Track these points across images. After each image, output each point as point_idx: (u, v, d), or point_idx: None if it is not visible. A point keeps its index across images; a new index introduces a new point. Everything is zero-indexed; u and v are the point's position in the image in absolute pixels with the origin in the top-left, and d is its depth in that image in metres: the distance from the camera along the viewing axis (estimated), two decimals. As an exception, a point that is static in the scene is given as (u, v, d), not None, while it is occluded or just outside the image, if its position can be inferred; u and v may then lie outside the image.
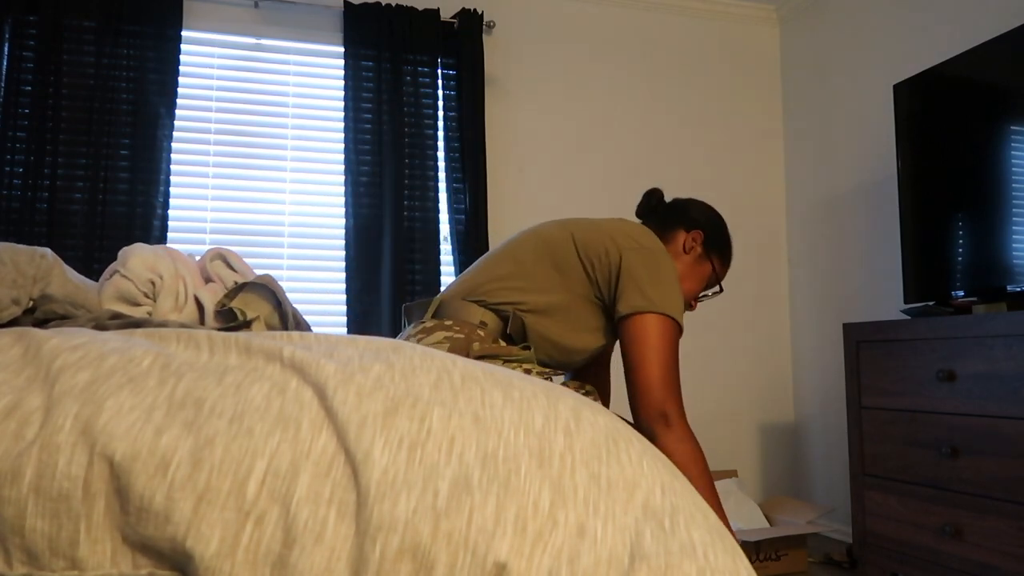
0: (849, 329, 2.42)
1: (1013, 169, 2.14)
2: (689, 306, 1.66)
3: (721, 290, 1.70)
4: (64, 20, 2.74)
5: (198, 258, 1.29)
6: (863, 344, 2.37)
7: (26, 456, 0.64)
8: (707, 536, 0.70)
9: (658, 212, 1.68)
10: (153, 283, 1.16)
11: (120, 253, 1.20)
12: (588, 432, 0.74)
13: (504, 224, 3.24)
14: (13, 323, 0.96)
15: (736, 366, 3.51)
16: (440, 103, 3.11)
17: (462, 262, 3.04)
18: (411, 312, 1.59)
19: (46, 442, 0.64)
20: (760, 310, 3.57)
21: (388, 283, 2.94)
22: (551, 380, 1.46)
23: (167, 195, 2.79)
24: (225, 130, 3.00)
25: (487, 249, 3.08)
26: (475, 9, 3.19)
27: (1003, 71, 2.18)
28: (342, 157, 3.05)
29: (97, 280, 1.33)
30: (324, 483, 0.65)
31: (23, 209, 2.63)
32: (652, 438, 1.37)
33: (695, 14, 3.60)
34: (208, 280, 1.24)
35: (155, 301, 1.15)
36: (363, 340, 0.85)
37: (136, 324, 0.99)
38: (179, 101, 2.93)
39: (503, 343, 1.44)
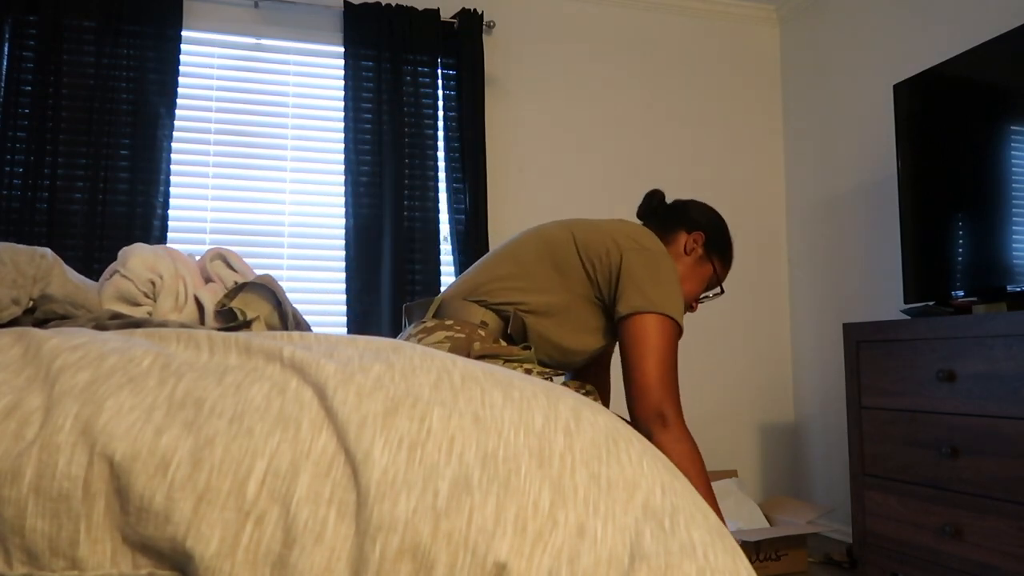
0: (849, 329, 2.42)
1: (1013, 169, 2.14)
2: (690, 307, 1.65)
3: (722, 291, 1.70)
4: (64, 20, 2.74)
5: (198, 258, 1.29)
6: (863, 344, 2.37)
7: (26, 456, 0.64)
8: (707, 536, 0.70)
9: (659, 213, 1.68)
10: (153, 283, 1.16)
11: (120, 253, 1.20)
12: (588, 432, 0.74)
13: (504, 224, 3.24)
14: (13, 323, 0.96)
15: (736, 366, 3.51)
16: (440, 103, 3.11)
17: (462, 262, 3.04)
18: (412, 312, 1.59)
19: (46, 442, 0.64)
20: (760, 310, 3.57)
21: (388, 283, 2.94)
22: (551, 380, 1.46)
23: (167, 195, 2.79)
24: (225, 130, 3.00)
25: (487, 249, 3.08)
26: (475, 9, 3.19)
27: (1003, 71, 2.18)
28: (342, 157, 3.05)
29: (97, 280, 1.33)
30: (324, 483, 0.65)
31: (23, 209, 2.63)
32: (649, 438, 1.37)
33: (695, 14, 3.60)
34: (208, 280, 1.24)
35: (155, 301, 1.15)
36: (363, 340, 0.85)
37: (136, 324, 0.99)
38: (179, 101, 2.93)
39: (504, 343, 1.44)
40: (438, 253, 3.03)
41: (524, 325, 1.48)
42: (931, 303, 2.40)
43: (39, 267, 1.00)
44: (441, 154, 3.09)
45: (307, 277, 3.04)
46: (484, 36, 3.25)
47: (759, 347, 3.55)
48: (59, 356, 0.72)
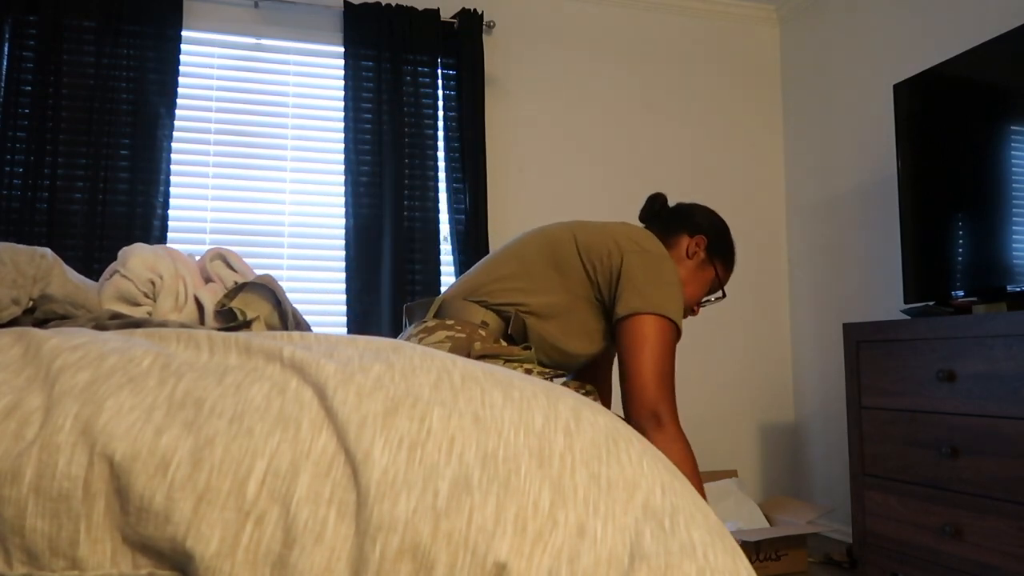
0: (849, 329, 2.42)
1: (1013, 169, 2.14)
2: (692, 311, 1.65)
3: (724, 295, 1.70)
4: (64, 20, 2.74)
5: (198, 258, 1.29)
6: (863, 344, 2.37)
7: (26, 456, 0.64)
8: (707, 536, 0.70)
9: (661, 217, 1.68)
10: (153, 283, 1.16)
11: (120, 253, 1.20)
12: (588, 432, 0.74)
13: (504, 224, 3.24)
14: (13, 323, 0.96)
15: (736, 366, 3.51)
16: (440, 103, 3.11)
17: (462, 262, 3.04)
18: (412, 312, 1.59)
19: (46, 442, 0.64)
20: (760, 310, 3.57)
21: (388, 283, 2.94)
22: (551, 380, 1.46)
23: (167, 195, 2.79)
24: (225, 130, 3.00)
25: (487, 249, 3.08)
26: (475, 9, 3.19)
27: (1003, 71, 2.18)
28: (342, 157, 3.05)
29: (97, 280, 1.33)
30: (324, 483, 0.65)
31: (23, 209, 2.63)
32: None
33: (695, 14, 3.60)
34: (208, 280, 1.24)
35: (155, 301, 1.15)
36: (363, 340, 0.85)
37: (136, 324, 0.99)
38: (179, 101, 2.93)
39: (504, 343, 1.44)
40: (438, 253, 3.03)
41: (525, 326, 1.48)
42: (931, 303, 2.40)
43: (39, 267, 1.00)
44: (441, 154, 3.10)
45: (307, 277, 3.04)
46: (484, 36, 3.25)
47: (759, 347, 3.55)
48: (59, 356, 0.72)
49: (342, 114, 3.08)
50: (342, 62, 3.10)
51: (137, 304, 1.15)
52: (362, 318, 2.92)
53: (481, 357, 1.37)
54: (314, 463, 0.66)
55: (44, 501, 0.63)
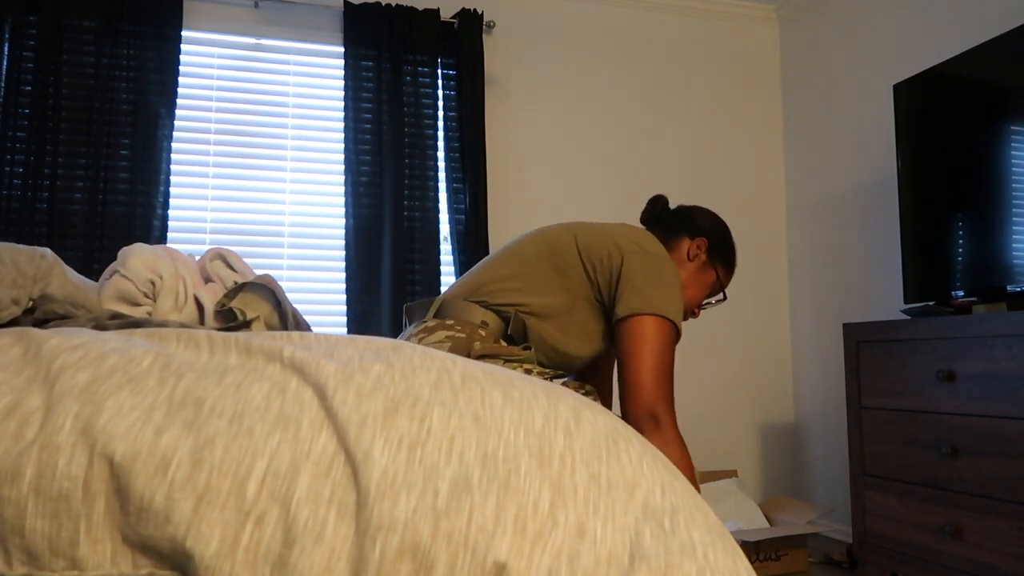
0: (849, 329, 2.42)
1: (1013, 169, 2.14)
2: (693, 313, 1.65)
3: (725, 298, 1.70)
4: (64, 20, 2.74)
5: (198, 258, 1.29)
6: (863, 344, 2.37)
7: (26, 456, 0.64)
8: (707, 536, 0.70)
9: (663, 219, 1.68)
10: (153, 283, 1.16)
11: (120, 253, 1.20)
12: (588, 432, 0.74)
13: (504, 224, 3.24)
14: (13, 323, 0.96)
15: (736, 366, 3.51)
16: (440, 103, 3.11)
17: (462, 262, 3.04)
18: (412, 312, 1.59)
19: (46, 442, 0.64)
20: (760, 310, 3.57)
21: (388, 283, 2.94)
22: (551, 380, 1.46)
23: (167, 195, 2.79)
24: (225, 130, 3.00)
25: (487, 249, 3.08)
26: (475, 9, 3.19)
27: (1003, 71, 2.18)
28: (342, 157, 3.05)
29: (97, 280, 1.33)
30: (324, 483, 0.65)
31: (23, 209, 2.63)
32: None
33: (695, 14, 3.60)
34: (208, 280, 1.24)
35: (155, 301, 1.15)
36: (363, 340, 0.85)
37: (136, 324, 0.99)
38: (179, 101, 2.93)
39: (504, 343, 1.44)
40: (438, 253, 3.03)
41: (524, 326, 1.48)
42: (931, 303, 2.40)
43: (39, 267, 1.00)
44: (441, 154, 3.10)
45: (307, 277, 3.04)
46: (484, 36, 3.25)
47: (759, 347, 3.55)
48: (59, 356, 0.72)
49: (342, 114, 3.08)
50: (342, 62, 3.11)
51: (137, 304, 1.15)
52: (362, 318, 2.92)
53: (481, 357, 1.37)
54: (314, 463, 0.66)
55: (44, 501, 0.63)
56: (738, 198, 3.59)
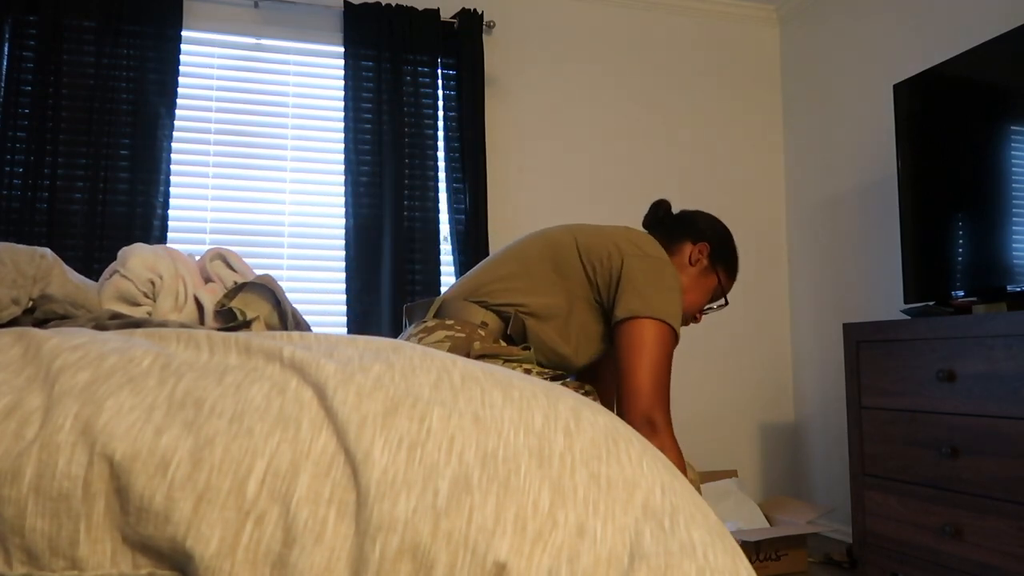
0: (849, 329, 2.42)
1: (1013, 169, 2.14)
2: (694, 318, 1.65)
3: (726, 303, 1.69)
4: (64, 20, 2.74)
5: (198, 258, 1.29)
6: (863, 344, 2.37)
7: (26, 456, 0.64)
8: (707, 536, 0.70)
9: (665, 223, 1.68)
10: (153, 283, 1.16)
11: (120, 253, 1.20)
12: (588, 432, 0.74)
13: (504, 224, 3.24)
14: (13, 323, 0.96)
15: (736, 366, 3.51)
16: (440, 103, 3.12)
17: (462, 262, 3.04)
18: (412, 312, 1.59)
19: (46, 442, 0.64)
20: (760, 310, 3.57)
21: (388, 283, 2.94)
22: (551, 380, 1.46)
23: (167, 195, 2.79)
24: (225, 130, 3.00)
25: (487, 249, 3.08)
26: (475, 9, 3.19)
27: (1003, 71, 2.18)
28: (342, 157, 3.05)
29: (97, 280, 1.33)
30: (324, 483, 0.65)
31: (23, 209, 2.63)
32: None
33: (695, 14, 3.60)
34: (208, 280, 1.24)
35: (155, 301, 1.15)
36: (363, 340, 0.85)
37: (136, 324, 0.99)
38: (179, 101, 2.93)
39: (503, 343, 1.44)
40: (438, 253, 3.03)
41: (524, 327, 1.48)
42: (931, 303, 2.40)
43: (39, 267, 1.00)
44: (441, 154, 3.10)
45: (307, 277, 3.04)
46: (484, 36, 3.25)
47: (759, 347, 3.55)
48: (59, 356, 0.72)
49: (342, 114, 3.08)
50: (342, 62, 3.11)
51: (137, 304, 1.15)
52: (362, 318, 2.92)
53: (480, 357, 1.37)
54: (314, 463, 0.66)
55: (44, 501, 0.63)
56: (738, 198, 3.59)
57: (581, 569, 0.64)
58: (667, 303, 1.42)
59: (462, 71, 3.11)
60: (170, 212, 2.83)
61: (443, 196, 3.10)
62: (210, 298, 1.18)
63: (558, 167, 3.35)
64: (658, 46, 3.55)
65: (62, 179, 2.69)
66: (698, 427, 3.42)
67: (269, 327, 1.17)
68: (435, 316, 1.50)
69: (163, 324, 1.01)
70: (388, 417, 0.69)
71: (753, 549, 2.64)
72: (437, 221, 3.05)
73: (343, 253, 2.99)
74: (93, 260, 2.68)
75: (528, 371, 1.39)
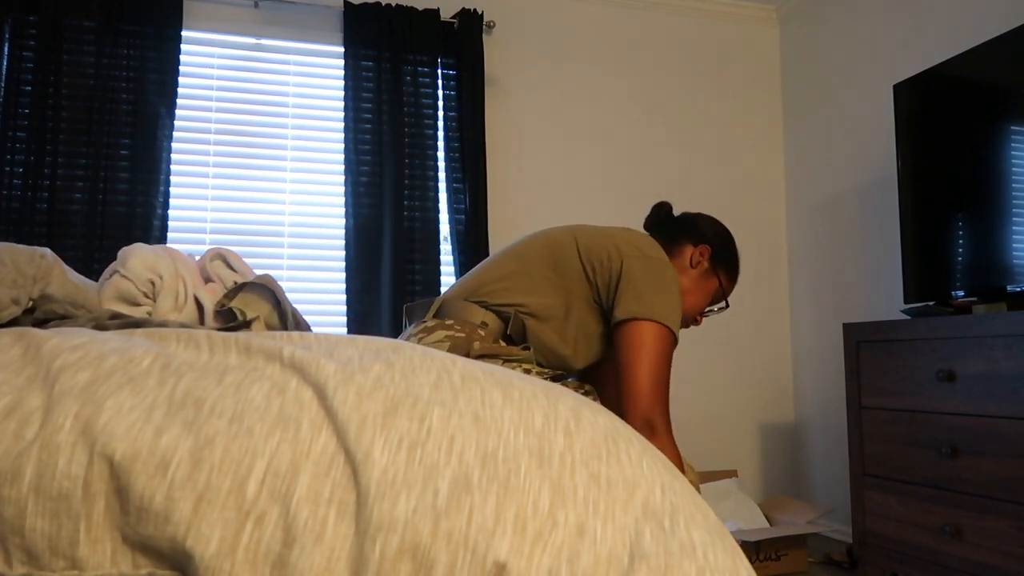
0: (849, 329, 2.42)
1: (1013, 169, 2.14)
2: (695, 321, 1.65)
3: (727, 306, 1.69)
4: (64, 20, 2.74)
5: (198, 258, 1.29)
6: (863, 344, 2.37)
7: (26, 456, 0.64)
8: (707, 536, 0.70)
9: (666, 225, 1.68)
10: (153, 283, 1.16)
11: (120, 253, 1.20)
12: (588, 432, 0.74)
13: (504, 224, 3.24)
14: (13, 323, 0.96)
15: (736, 366, 3.51)
16: (440, 103, 3.12)
17: (462, 262, 3.04)
18: (412, 312, 1.59)
19: (46, 442, 0.64)
20: (760, 310, 3.57)
21: (388, 283, 2.94)
22: (551, 380, 1.46)
23: (167, 195, 2.79)
24: (225, 130, 3.00)
25: (487, 249, 3.08)
26: (475, 9, 3.19)
27: (1003, 71, 2.18)
28: (342, 157, 3.05)
29: (97, 280, 1.33)
30: (324, 483, 0.65)
31: (23, 209, 2.63)
32: None
33: (695, 14, 3.60)
34: (208, 280, 1.24)
35: (155, 301, 1.15)
36: (363, 340, 0.85)
37: (136, 324, 0.99)
38: (179, 101, 2.93)
39: (503, 343, 1.44)
40: (438, 253, 3.03)
41: (524, 327, 1.48)
42: (931, 303, 2.40)
43: (39, 267, 1.00)
44: (441, 154, 3.10)
45: (307, 277, 3.04)
46: (484, 36, 3.25)
47: (759, 347, 3.55)
48: (59, 356, 0.72)
49: (342, 114, 3.08)
50: (342, 62, 3.11)
51: (137, 304, 1.15)
52: (362, 318, 2.92)
53: (480, 357, 1.37)
54: (314, 463, 0.66)
55: (44, 501, 0.63)
56: (738, 198, 3.59)
57: (581, 569, 0.64)
58: (667, 305, 1.42)
59: (462, 71, 3.11)
60: (170, 212, 2.83)
61: (443, 196, 3.10)
62: (210, 298, 1.18)
63: (558, 167, 3.35)
64: (658, 46, 3.55)
65: (62, 179, 2.69)
66: (698, 427, 3.42)
67: (269, 327, 1.17)
68: (435, 316, 1.50)
69: (163, 324, 1.01)
70: (388, 417, 0.69)
71: (753, 549, 2.64)
72: (437, 221, 3.05)
73: (343, 253, 2.99)
74: (93, 260, 2.68)
75: (528, 371, 1.39)
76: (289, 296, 2.80)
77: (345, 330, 2.95)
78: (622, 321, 1.42)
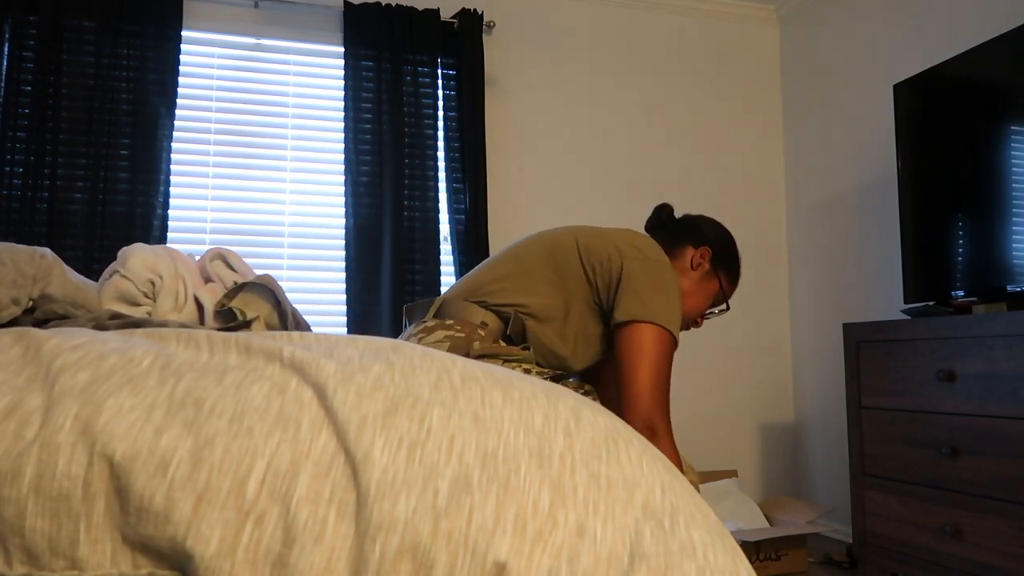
0: (849, 329, 2.42)
1: (1013, 169, 2.14)
2: (695, 323, 1.65)
3: (728, 308, 1.69)
4: (64, 20, 2.74)
5: (198, 258, 1.29)
6: (863, 344, 2.37)
7: (26, 456, 0.64)
8: (707, 536, 0.70)
9: (667, 227, 1.68)
10: (153, 283, 1.16)
11: (120, 253, 1.20)
12: (588, 432, 0.74)
13: (504, 224, 3.24)
14: (13, 323, 0.96)
15: (736, 366, 3.51)
16: (440, 103, 3.12)
17: (462, 262, 3.04)
18: (412, 312, 1.59)
19: (46, 442, 0.64)
20: (760, 310, 3.57)
21: (388, 283, 2.94)
22: (551, 380, 1.46)
23: (167, 195, 2.79)
24: (225, 130, 3.00)
25: (487, 249, 3.08)
26: (475, 9, 3.19)
27: (1003, 71, 2.18)
28: (342, 157, 3.05)
29: (97, 280, 1.33)
30: (324, 483, 0.65)
31: (23, 209, 2.63)
32: None
33: (695, 14, 3.60)
34: (208, 280, 1.24)
35: (155, 301, 1.15)
36: (363, 340, 0.85)
37: (136, 324, 0.99)
38: (179, 101, 2.93)
39: (503, 343, 1.44)
40: (438, 253, 3.03)
41: (524, 327, 1.48)
42: (931, 303, 2.40)
43: (39, 267, 1.00)
44: (441, 154, 3.10)
45: (307, 277, 3.04)
46: (484, 36, 3.25)
47: (759, 347, 3.55)
48: (59, 356, 0.72)
49: (342, 114, 3.08)
50: (342, 62, 3.11)
51: (137, 304, 1.15)
52: (362, 318, 2.92)
53: (480, 357, 1.37)
54: (314, 463, 0.66)
55: (44, 501, 0.63)
56: (738, 198, 3.59)
57: (581, 569, 0.64)
58: (667, 307, 1.41)
59: (462, 71, 3.11)
60: (170, 212, 2.83)
61: (443, 196, 3.10)
62: (210, 298, 1.18)
63: (558, 167, 3.35)
64: (658, 46, 3.55)
65: (62, 179, 2.69)
66: (698, 427, 3.42)
67: (269, 327, 1.17)
68: (435, 316, 1.50)
69: (163, 324, 1.01)
70: (388, 417, 0.69)
71: (753, 549, 2.64)
72: (437, 221, 3.05)
73: (343, 253, 2.99)
74: (93, 260, 2.68)
75: (528, 371, 1.39)
76: (289, 296, 2.80)
77: (345, 330, 2.95)
78: (622, 323, 1.42)
